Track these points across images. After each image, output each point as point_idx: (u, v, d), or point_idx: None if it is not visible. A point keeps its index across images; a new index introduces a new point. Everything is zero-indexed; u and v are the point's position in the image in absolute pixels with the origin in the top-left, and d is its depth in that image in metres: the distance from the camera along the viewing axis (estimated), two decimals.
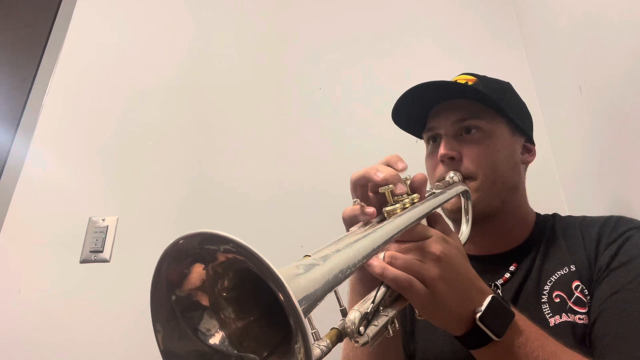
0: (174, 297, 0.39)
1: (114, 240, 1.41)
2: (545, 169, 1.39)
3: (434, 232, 0.58)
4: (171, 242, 0.36)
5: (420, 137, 0.96)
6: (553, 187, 1.40)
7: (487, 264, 0.84)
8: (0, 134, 1.57)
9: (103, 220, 1.44)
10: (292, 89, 1.65)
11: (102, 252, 1.39)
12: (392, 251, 0.55)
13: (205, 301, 0.40)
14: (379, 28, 1.72)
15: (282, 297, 0.32)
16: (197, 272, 0.38)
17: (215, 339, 0.40)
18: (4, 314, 1.33)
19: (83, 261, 1.39)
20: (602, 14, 1.04)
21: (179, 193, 1.50)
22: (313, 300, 0.36)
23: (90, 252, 1.39)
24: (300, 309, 0.31)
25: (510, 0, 1.70)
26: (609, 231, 0.77)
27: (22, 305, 1.34)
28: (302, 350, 0.32)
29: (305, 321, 0.32)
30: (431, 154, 0.89)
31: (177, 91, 1.65)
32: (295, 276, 0.37)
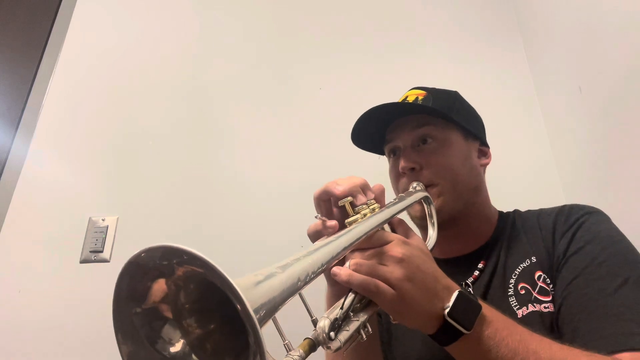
0: (135, 310, 0.40)
1: (114, 240, 1.41)
2: (545, 169, 1.39)
3: (395, 236, 0.60)
4: (132, 255, 0.37)
5: (382, 154, 0.99)
6: (553, 187, 1.39)
7: (457, 266, 0.87)
8: (0, 134, 1.57)
9: (103, 220, 1.44)
10: (292, 89, 1.65)
11: (102, 252, 1.39)
12: (357, 259, 0.57)
13: (167, 313, 0.41)
14: (379, 28, 1.72)
15: (238, 306, 0.33)
16: (159, 284, 0.39)
17: (177, 349, 0.41)
18: (4, 314, 1.32)
19: (83, 261, 1.39)
20: (602, 14, 1.04)
21: (179, 193, 1.50)
22: (271, 307, 0.38)
23: (90, 252, 1.39)
24: (254, 316, 0.32)
25: (510, 1, 1.70)
26: (563, 220, 0.80)
27: (22, 305, 1.34)
28: (257, 357, 0.33)
29: (260, 330, 0.32)
30: (393, 167, 0.93)
31: (177, 91, 1.65)
32: (253, 285, 0.38)
